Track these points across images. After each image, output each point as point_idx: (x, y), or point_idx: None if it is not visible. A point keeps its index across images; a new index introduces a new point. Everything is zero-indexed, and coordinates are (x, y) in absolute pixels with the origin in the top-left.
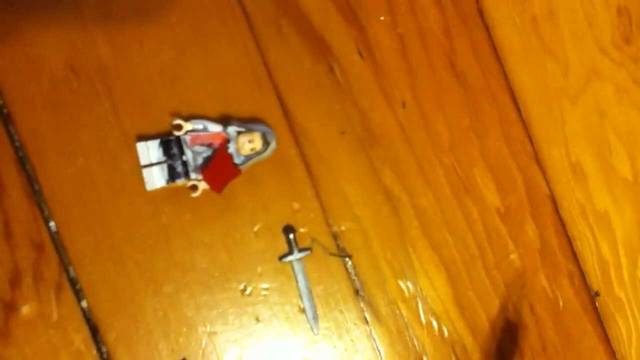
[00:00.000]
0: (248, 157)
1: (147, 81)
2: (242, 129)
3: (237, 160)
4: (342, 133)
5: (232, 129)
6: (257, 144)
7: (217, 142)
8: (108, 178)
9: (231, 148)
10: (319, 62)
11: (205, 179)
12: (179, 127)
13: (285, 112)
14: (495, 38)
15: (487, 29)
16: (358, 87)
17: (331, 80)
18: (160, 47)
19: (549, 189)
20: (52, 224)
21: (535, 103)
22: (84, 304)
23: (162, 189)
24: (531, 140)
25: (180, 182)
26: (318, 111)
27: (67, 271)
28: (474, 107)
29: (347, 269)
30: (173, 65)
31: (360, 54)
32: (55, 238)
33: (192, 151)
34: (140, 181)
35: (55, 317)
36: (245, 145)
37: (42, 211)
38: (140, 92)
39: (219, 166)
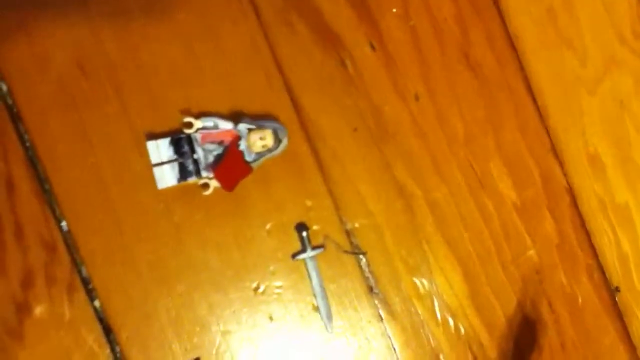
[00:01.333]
0: (259, 155)
1: (156, 78)
2: (253, 126)
3: (248, 158)
4: (355, 129)
5: (243, 126)
6: (269, 141)
7: (228, 140)
8: (119, 177)
9: (242, 145)
10: (331, 56)
11: (217, 177)
12: (190, 125)
13: (297, 108)
14: (510, 28)
15: (503, 19)
16: (370, 81)
17: (343, 75)
18: (169, 44)
19: (567, 181)
20: (63, 223)
21: (552, 94)
22: (97, 303)
23: (174, 188)
24: (548, 132)
25: (191, 180)
26: (330, 106)
27: (79, 271)
28: (489, 99)
29: (361, 267)
30: (182, 62)
31: (372, 47)
32: (67, 238)
33: (203, 149)
34: (152, 180)
35: (68, 317)
36: (257, 142)
37: (53, 211)
38: (150, 90)
39: (230, 164)
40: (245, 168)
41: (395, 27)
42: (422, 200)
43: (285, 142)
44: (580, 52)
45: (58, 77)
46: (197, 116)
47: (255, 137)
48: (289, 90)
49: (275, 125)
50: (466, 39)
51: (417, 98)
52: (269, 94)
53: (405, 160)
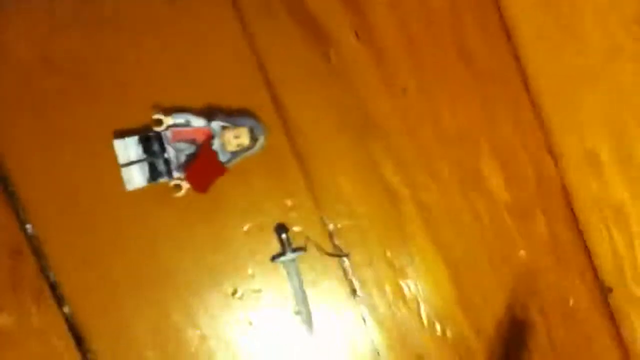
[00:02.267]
0: (235, 154)
1: (125, 72)
2: (228, 124)
3: (222, 158)
4: (339, 124)
5: (216, 124)
6: (244, 139)
7: (201, 138)
8: (87, 177)
9: (216, 144)
10: (313, 46)
11: (188, 178)
12: (159, 122)
13: (276, 103)
14: (506, 16)
15: (498, 7)
16: (356, 73)
17: (326, 67)
18: (138, 33)
19: (562, 179)
20: (28, 226)
21: (549, 86)
22: (67, 310)
23: (145, 189)
24: (544, 128)
25: (162, 181)
26: (312, 100)
27: (47, 276)
28: (483, 93)
29: (344, 269)
30: (152, 53)
31: (357, 36)
32: (33, 241)
33: (174, 148)
34: (121, 181)
35: (36, 325)
36: (231, 141)
37: (17, 214)
38: (118, 84)
39: (203, 164)
40: (219, 168)
41: (383, 15)
42: (410, 199)
43: (262, 141)
44: (581, 41)
45: (22, 72)
46: (168, 112)
47: (229, 135)
48: (268, 83)
49: (252, 122)
50: (459, 27)
51: (405, 91)
52: (246, 88)
53: (392, 158)
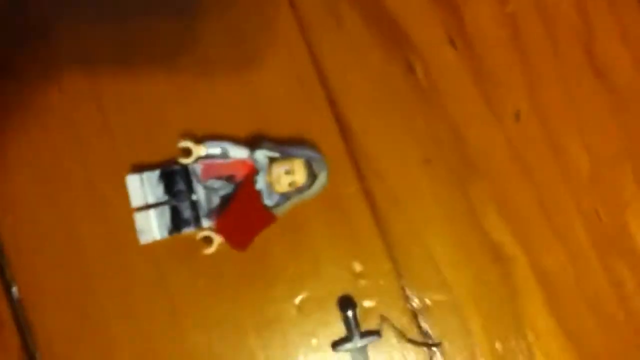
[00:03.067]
0: (286, 196)
1: (150, 91)
2: (277, 154)
3: (268, 201)
4: (427, 161)
5: (261, 154)
6: (300, 176)
7: (241, 175)
8: (93, 227)
9: (260, 182)
10: (394, 57)
11: (221, 229)
12: (188, 152)
13: (344, 131)
14: None
15: None
16: (450, 93)
17: (411, 84)
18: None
19: None
20: (14, 289)
21: None
22: None
23: (165, 242)
24: None
25: (187, 232)
26: (391, 129)
27: (32, 355)
28: (626, 121)
29: None
30: (185, 70)
31: (453, 44)
32: (18, 309)
33: (205, 187)
34: (134, 231)
35: None
36: (282, 178)
37: (1, 273)
38: (142, 107)
39: (242, 210)
40: (264, 216)
41: (487, 16)
42: (527, 266)
43: (323, 178)
44: None
45: None
46: (201, 140)
47: (279, 170)
48: (333, 104)
49: (310, 153)
50: (590, 32)
51: (518, 117)
52: (305, 111)
53: (500, 208)
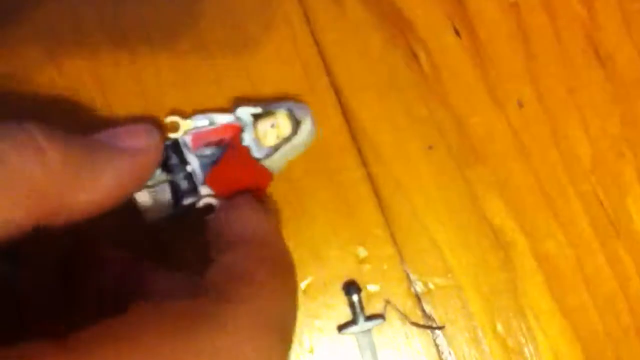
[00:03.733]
0: (274, 148)
1: (150, 74)
2: (259, 109)
3: (257, 154)
4: (430, 147)
5: (244, 112)
6: (284, 127)
7: (229, 137)
8: None
9: (247, 139)
10: (397, 46)
11: (211, 182)
12: (175, 127)
13: (346, 117)
14: None
15: None
16: (453, 80)
17: (414, 71)
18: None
19: None
20: None
21: None
22: None
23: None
24: None
25: (187, 202)
26: (394, 117)
27: None
28: (627, 108)
29: (437, 345)
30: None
31: (456, 32)
32: None
33: (198, 156)
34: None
35: None
36: (268, 133)
37: None
38: (141, 90)
39: (232, 163)
40: (254, 168)
41: (491, 4)
42: (527, 251)
43: (308, 125)
44: None
45: None
46: (189, 116)
47: (265, 125)
48: (336, 90)
49: (289, 104)
50: (594, 21)
51: (520, 105)
52: (309, 98)
53: (502, 194)
